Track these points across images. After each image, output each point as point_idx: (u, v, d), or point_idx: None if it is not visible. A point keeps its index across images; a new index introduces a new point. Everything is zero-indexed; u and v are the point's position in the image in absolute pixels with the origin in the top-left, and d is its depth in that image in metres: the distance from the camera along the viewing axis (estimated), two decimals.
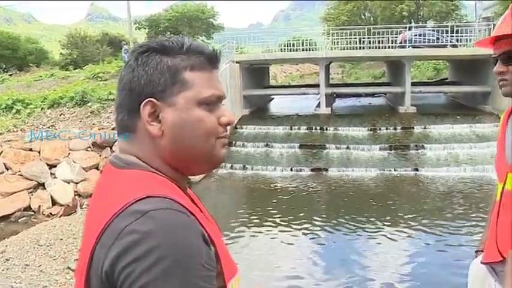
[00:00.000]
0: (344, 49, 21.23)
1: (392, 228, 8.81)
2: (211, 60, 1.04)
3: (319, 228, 9.00)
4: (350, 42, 20.98)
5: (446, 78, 25.70)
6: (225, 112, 1.04)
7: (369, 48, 20.10)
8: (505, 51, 1.60)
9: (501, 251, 1.64)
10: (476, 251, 1.93)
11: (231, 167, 13.70)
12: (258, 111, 18.61)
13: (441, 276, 6.72)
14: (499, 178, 1.75)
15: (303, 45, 20.68)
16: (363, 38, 20.39)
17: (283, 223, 9.31)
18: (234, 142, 14.88)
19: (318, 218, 9.53)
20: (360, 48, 20.13)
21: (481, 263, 1.78)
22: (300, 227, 9.09)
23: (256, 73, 20.63)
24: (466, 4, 45.98)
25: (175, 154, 1.00)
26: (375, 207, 10.21)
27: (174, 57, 1.01)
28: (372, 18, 46.99)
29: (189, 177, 1.09)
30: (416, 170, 12.83)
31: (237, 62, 17.52)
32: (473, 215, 9.26)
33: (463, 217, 9.26)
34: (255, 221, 9.53)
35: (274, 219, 9.51)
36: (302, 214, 9.82)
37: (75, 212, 10.35)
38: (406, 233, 8.61)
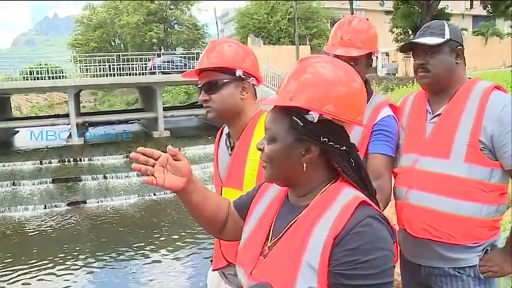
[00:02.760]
0: (94, 76, 20.79)
1: (159, 252, 8.96)
2: None
3: (85, 267, 8.43)
4: (100, 70, 20.66)
5: (197, 102, 27.44)
6: None
7: (120, 75, 20.12)
8: (206, 81, 1.78)
9: (225, 256, 1.80)
10: (211, 260, 2.08)
11: None
12: (1, 147, 16.77)
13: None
14: (216, 192, 1.91)
15: (49, 72, 19.53)
16: (113, 65, 20.33)
17: (42, 267, 8.40)
18: None
19: (83, 256, 8.92)
20: (110, 75, 19.98)
21: (213, 270, 1.93)
22: (62, 269, 8.34)
23: None
24: (211, 33, 50.08)
25: None
26: (140, 234, 10.13)
27: None
28: (122, 45, 47.17)
29: None
30: None
31: None
32: None
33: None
34: (7, 275, 8.25)
35: (29, 268, 8.43)
36: (63, 255, 9.01)
37: None
38: (171, 252, 8.87)
